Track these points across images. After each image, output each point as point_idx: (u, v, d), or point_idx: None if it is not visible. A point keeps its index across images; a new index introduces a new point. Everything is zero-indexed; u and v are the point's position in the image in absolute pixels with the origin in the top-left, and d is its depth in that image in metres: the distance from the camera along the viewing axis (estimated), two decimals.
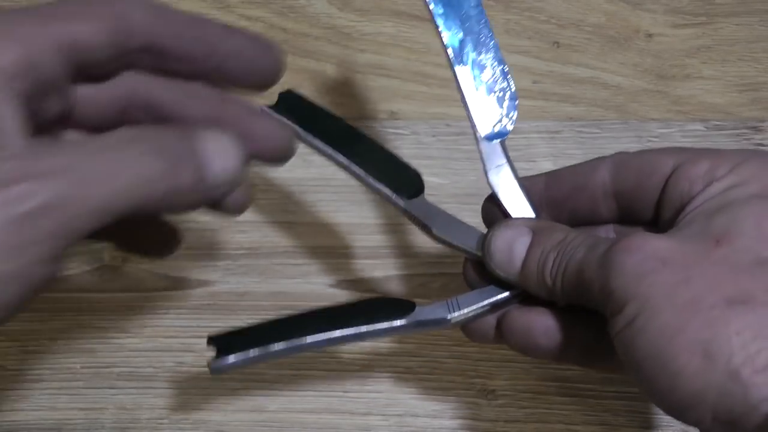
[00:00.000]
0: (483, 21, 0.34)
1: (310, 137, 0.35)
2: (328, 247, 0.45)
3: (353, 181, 0.46)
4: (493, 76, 0.34)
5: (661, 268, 0.27)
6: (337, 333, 0.32)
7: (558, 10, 0.50)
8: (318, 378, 0.38)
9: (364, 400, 0.42)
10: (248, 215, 0.45)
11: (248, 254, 0.45)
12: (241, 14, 0.51)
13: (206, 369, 0.42)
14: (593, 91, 0.48)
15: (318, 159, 0.47)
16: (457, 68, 0.34)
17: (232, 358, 0.32)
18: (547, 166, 0.46)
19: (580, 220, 0.34)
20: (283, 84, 0.49)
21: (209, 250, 0.45)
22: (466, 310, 0.33)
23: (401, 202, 0.34)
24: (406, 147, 0.47)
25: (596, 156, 0.44)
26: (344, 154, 0.35)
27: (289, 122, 0.35)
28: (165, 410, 0.42)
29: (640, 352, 0.27)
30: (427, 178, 0.42)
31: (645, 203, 0.32)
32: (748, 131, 0.47)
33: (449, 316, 0.32)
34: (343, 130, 0.36)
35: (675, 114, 0.47)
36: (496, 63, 0.34)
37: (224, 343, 0.33)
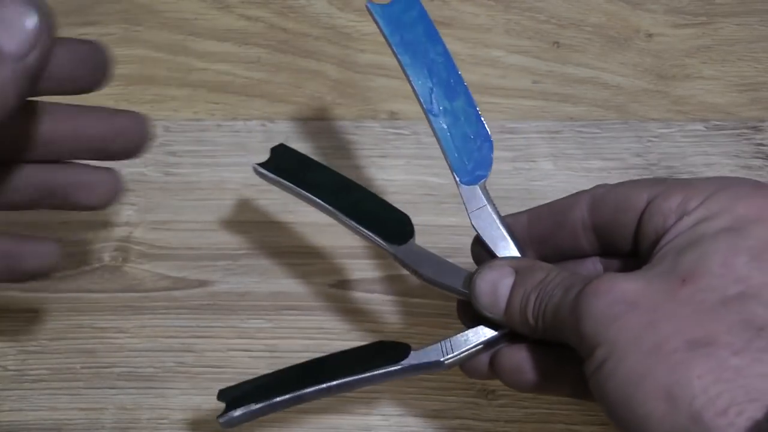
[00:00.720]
0: (451, 67, 0.34)
1: (301, 191, 0.36)
2: (328, 247, 0.45)
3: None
4: (467, 121, 0.34)
5: (628, 312, 0.27)
6: (335, 382, 0.33)
7: (558, 10, 0.50)
8: None
9: (364, 400, 0.42)
10: (248, 215, 0.45)
11: (248, 254, 0.45)
12: (241, 14, 0.51)
13: (206, 369, 0.43)
14: (593, 91, 0.48)
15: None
16: (431, 118, 0.34)
17: (238, 412, 0.33)
18: (547, 166, 0.46)
19: (566, 254, 0.34)
20: (283, 84, 0.49)
21: (209, 250, 0.45)
22: (458, 352, 0.33)
23: (391, 248, 0.35)
24: (406, 147, 0.47)
25: (596, 156, 0.44)
26: (335, 206, 0.36)
27: (280, 179, 0.36)
28: (165, 410, 0.42)
29: (610, 396, 0.27)
30: (427, 178, 0.42)
31: (623, 237, 0.32)
32: (748, 131, 0.47)
33: (443, 359, 0.33)
34: (333, 180, 0.37)
35: (675, 114, 0.47)
36: (468, 107, 0.34)
37: (232, 396, 0.34)
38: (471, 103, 0.34)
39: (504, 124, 0.47)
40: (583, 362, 0.28)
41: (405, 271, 0.44)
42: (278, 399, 0.33)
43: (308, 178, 0.37)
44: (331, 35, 0.50)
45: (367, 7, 0.34)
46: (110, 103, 0.48)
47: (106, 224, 0.46)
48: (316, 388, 0.33)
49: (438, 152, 0.46)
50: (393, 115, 0.48)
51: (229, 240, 0.45)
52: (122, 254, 0.45)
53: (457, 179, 0.34)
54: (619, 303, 0.27)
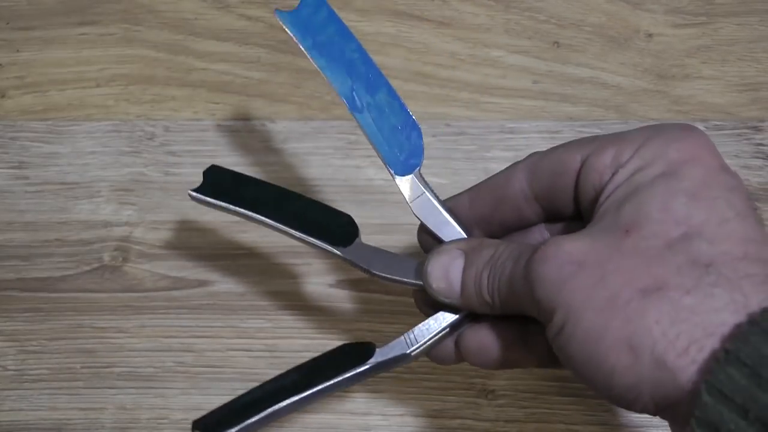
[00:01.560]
0: (367, 62, 0.34)
1: (240, 209, 0.35)
2: None
3: (353, 181, 0.46)
4: (392, 113, 0.34)
5: (578, 272, 0.27)
6: (307, 393, 0.33)
7: (558, 10, 0.50)
8: None
9: (363, 400, 0.42)
10: None
11: (248, 254, 0.45)
12: (241, 14, 0.51)
13: (206, 369, 0.43)
14: (593, 91, 0.48)
15: (317, 160, 0.47)
16: (356, 114, 0.34)
17: None
18: None
19: (511, 227, 0.34)
20: (283, 84, 0.49)
21: (209, 250, 0.45)
22: (422, 342, 0.33)
23: (338, 251, 0.35)
24: None
25: None
26: (276, 219, 0.35)
27: (215, 201, 0.35)
28: (165, 410, 0.42)
29: (574, 358, 0.27)
30: (428, 178, 0.42)
31: (563, 201, 0.32)
32: (748, 131, 0.47)
33: (409, 351, 0.33)
34: (271, 193, 0.37)
35: (675, 114, 0.47)
36: (391, 99, 0.35)
37: (205, 424, 0.34)
38: (393, 95, 0.35)
39: (504, 124, 0.47)
40: (545, 329, 0.28)
41: None
42: (253, 419, 0.33)
43: (246, 195, 0.36)
44: None
45: (275, 14, 0.35)
46: (110, 103, 0.49)
47: (106, 224, 0.46)
48: (289, 401, 0.33)
49: (437, 152, 0.46)
50: None
51: (229, 240, 0.45)
52: (122, 254, 0.45)
53: (392, 171, 0.34)
54: (567, 264, 0.27)
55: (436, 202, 0.34)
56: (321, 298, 0.44)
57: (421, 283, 0.33)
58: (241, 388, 0.42)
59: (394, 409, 0.41)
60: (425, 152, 0.46)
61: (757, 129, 0.47)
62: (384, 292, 0.44)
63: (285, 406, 0.33)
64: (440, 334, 0.33)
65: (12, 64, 0.50)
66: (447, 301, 0.32)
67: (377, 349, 0.34)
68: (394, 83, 0.48)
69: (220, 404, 0.35)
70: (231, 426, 0.33)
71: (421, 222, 0.34)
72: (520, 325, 0.32)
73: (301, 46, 0.34)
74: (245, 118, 0.48)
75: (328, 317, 0.43)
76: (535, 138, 0.47)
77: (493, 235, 0.34)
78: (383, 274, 0.34)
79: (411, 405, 0.42)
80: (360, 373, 0.33)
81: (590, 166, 0.30)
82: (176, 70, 0.49)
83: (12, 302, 0.44)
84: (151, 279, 0.44)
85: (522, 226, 0.34)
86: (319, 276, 0.44)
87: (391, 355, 0.33)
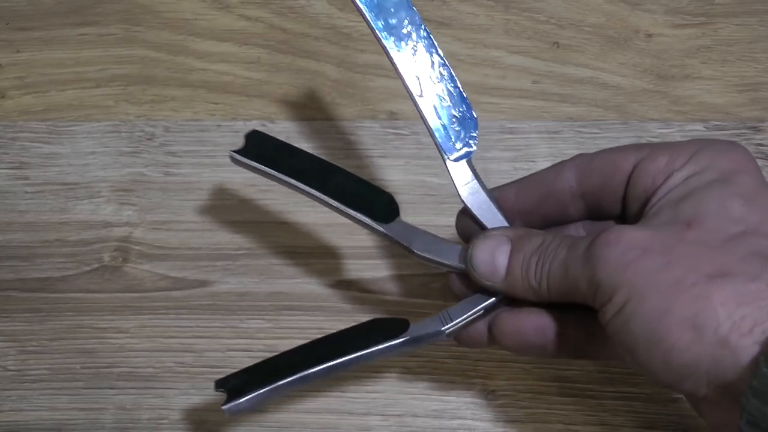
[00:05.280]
0: (435, 51, 0.35)
1: (281, 176, 0.36)
2: (328, 247, 0.45)
3: None
4: (452, 101, 0.35)
5: (641, 256, 0.29)
6: (338, 360, 0.33)
7: (558, 11, 0.50)
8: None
9: (363, 400, 0.42)
10: (248, 215, 0.46)
11: (248, 254, 0.45)
12: (240, 14, 0.51)
13: (206, 369, 0.43)
14: (593, 91, 0.48)
15: None
16: (417, 99, 0.35)
17: (243, 399, 0.33)
18: (546, 166, 0.46)
19: (551, 222, 0.36)
20: (283, 85, 0.49)
21: (209, 250, 0.45)
22: (458, 320, 0.34)
23: (380, 227, 0.35)
24: (406, 147, 0.47)
25: None
26: (318, 189, 0.36)
27: (258, 164, 0.36)
28: (165, 410, 0.42)
29: (632, 336, 0.29)
30: (428, 178, 0.42)
31: (611, 200, 0.34)
32: (748, 131, 0.47)
33: (443, 328, 0.34)
34: (313, 163, 0.37)
35: (675, 114, 0.47)
36: (453, 89, 0.35)
37: (232, 385, 0.34)
38: (455, 84, 0.35)
39: (504, 124, 0.47)
40: (598, 311, 0.30)
41: (405, 272, 0.44)
42: (282, 382, 0.33)
43: (287, 164, 0.36)
44: (331, 35, 0.50)
45: None
46: (110, 103, 0.49)
47: (106, 224, 0.46)
48: (320, 368, 0.33)
49: (437, 152, 0.46)
50: (392, 115, 0.48)
51: (229, 240, 0.45)
52: (122, 254, 0.45)
53: (446, 156, 0.35)
54: (632, 249, 0.29)
55: (483, 191, 0.35)
56: (321, 298, 0.44)
57: (459, 266, 0.34)
58: None
59: (394, 409, 0.41)
60: (426, 152, 0.47)
61: (756, 129, 0.47)
62: (383, 292, 0.44)
63: (316, 372, 0.33)
64: (476, 315, 0.34)
65: (12, 64, 0.50)
66: (489, 284, 0.34)
67: (411, 325, 0.34)
68: (394, 83, 0.48)
69: (245, 367, 0.34)
70: (259, 387, 0.33)
71: (466, 206, 0.35)
72: (556, 313, 0.33)
73: (372, 27, 0.35)
74: (245, 118, 0.48)
75: (328, 317, 0.43)
76: (535, 138, 0.47)
77: (532, 227, 0.35)
78: (423, 254, 0.35)
79: (411, 405, 0.42)
80: (393, 345, 0.34)
81: (644, 169, 0.32)
82: (176, 70, 0.49)
83: (12, 302, 0.44)
84: (151, 279, 0.44)
85: (562, 221, 0.36)
86: (319, 276, 0.44)
87: (425, 331, 0.34)
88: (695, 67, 0.48)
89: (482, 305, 0.34)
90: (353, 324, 0.36)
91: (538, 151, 0.46)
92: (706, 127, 0.47)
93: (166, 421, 0.41)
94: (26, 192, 0.47)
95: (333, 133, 0.47)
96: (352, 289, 0.44)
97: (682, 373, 0.28)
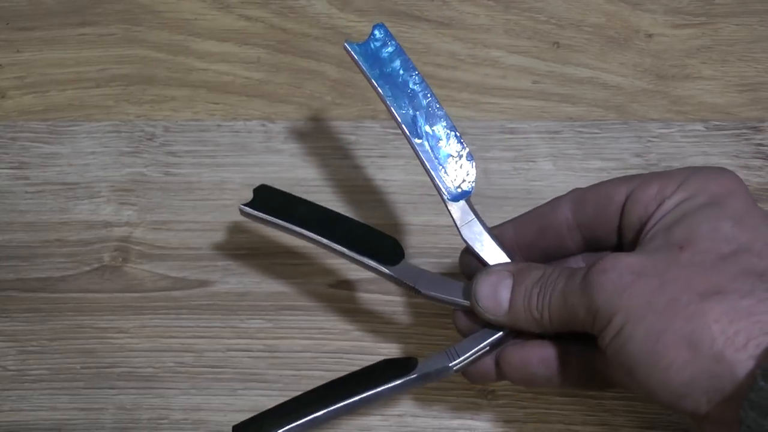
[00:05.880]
0: (429, 95, 0.36)
1: (290, 226, 0.37)
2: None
3: (353, 181, 0.46)
4: (447, 143, 0.36)
5: (637, 280, 0.30)
6: (349, 400, 0.34)
7: (558, 11, 0.50)
8: (318, 378, 0.38)
9: None
10: None
11: (248, 254, 0.45)
12: (240, 14, 0.51)
13: (206, 369, 0.43)
14: (593, 91, 0.48)
15: (317, 160, 0.47)
16: (415, 141, 0.36)
17: None
18: (546, 166, 0.46)
19: (551, 256, 0.37)
20: (283, 85, 0.49)
21: (209, 250, 0.45)
22: (465, 356, 0.35)
23: (387, 269, 0.37)
24: (405, 147, 0.47)
25: (595, 156, 0.44)
26: (327, 236, 0.37)
27: (267, 216, 0.37)
28: (165, 410, 0.42)
29: (631, 357, 0.29)
30: (427, 179, 0.42)
31: (607, 230, 0.35)
32: (748, 131, 0.47)
33: (451, 364, 0.35)
34: (319, 212, 0.39)
35: (675, 114, 0.47)
36: (448, 131, 0.36)
37: (249, 429, 0.35)
38: (450, 126, 0.36)
39: (504, 124, 0.47)
40: (597, 336, 0.31)
41: None
42: (295, 424, 0.34)
43: (295, 213, 0.38)
44: (331, 35, 0.50)
45: (344, 46, 0.36)
46: (110, 103, 0.49)
47: (107, 224, 0.46)
48: (330, 409, 0.34)
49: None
50: None
51: (229, 240, 0.45)
52: (122, 254, 0.45)
53: (445, 197, 0.36)
54: (628, 274, 0.30)
55: (483, 228, 0.36)
56: (321, 298, 0.44)
57: (465, 302, 0.36)
58: (241, 389, 0.42)
59: (394, 409, 0.41)
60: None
61: (756, 129, 0.47)
62: (383, 292, 0.44)
63: (327, 413, 0.34)
64: (482, 351, 0.35)
65: (12, 64, 0.50)
66: (493, 318, 0.34)
67: (420, 363, 0.35)
68: None
69: (261, 410, 0.36)
70: (272, 430, 0.34)
71: (468, 245, 0.36)
72: (560, 345, 0.34)
73: (367, 76, 0.36)
74: (245, 118, 0.48)
75: (328, 317, 0.43)
76: (535, 138, 0.47)
77: (533, 262, 0.36)
78: (429, 293, 0.36)
79: (411, 405, 0.42)
80: (402, 383, 0.35)
81: (636, 198, 0.33)
82: (176, 70, 0.49)
83: (12, 302, 0.44)
84: (151, 279, 0.44)
85: (561, 255, 0.37)
86: (319, 276, 0.44)
87: (434, 368, 0.35)
88: (695, 67, 0.48)
89: (488, 340, 0.35)
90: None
91: (538, 151, 0.46)
92: (706, 127, 0.47)
93: (166, 421, 0.41)
94: (26, 192, 0.47)
95: (333, 133, 0.47)
96: (353, 289, 0.44)
97: (681, 392, 0.29)
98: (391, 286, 0.44)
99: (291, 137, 0.47)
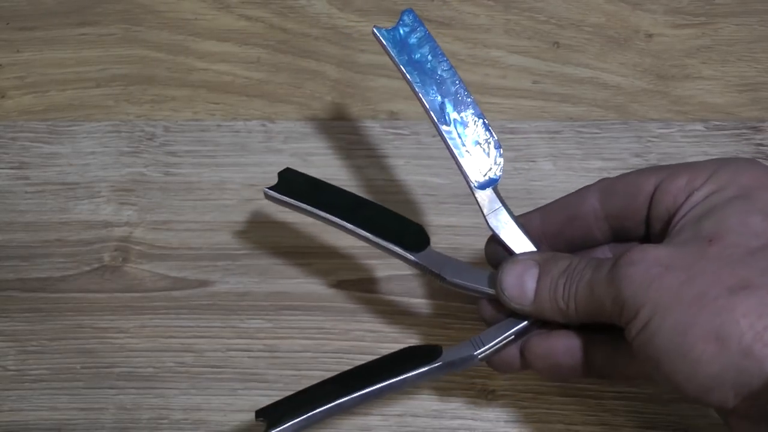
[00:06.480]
0: (457, 82, 0.36)
1: (315, 210, 0.37)
2: (328, 247, 0.45)
3: (354, 181, 0.46)
4: (475, 130, 0.36)
5: (665, 273, 0.30)
6: (373, 387, 0.34)
7: (558, 10, 0.50)
8: (318, 378, 0.38)
9: None
10: (248, 215, 0.46)
11: (248, 254, 0.45)
12: (241, 14, 0.51)
13: (206, 369, 0.43)
14: (593, 91, 0.48)
15: (317, 160, 0.47)
16: (443, 128, 0.36)
17: (282, 428, 0.33)
18: (546, 166, 0.46)
19: (577, 246, 0.36)
20: (283, 84, 0.49)
21: (209, 250, 0.45)
22: (490, 345, 0.35)
23: (412, 255, 0.36)
24: (406, 147, 0.47)
25: (596, 156, 0.44)
26: (351, 221, 0.37)
27: (291, 200, 0.37)
28: (165, 410, 0.42)
29: (658, 350, 0.29)
30: (428, 178, 0.42)
31: (635, 221, 0.35)
32: (748, 131, 0.47)
33: (476, 353, 0.35)
34: (344, 197, 0.39)
35: (675, 114, 0.47)
36: (476, 118, 0.36)
37: (271, 414, 0.34)
38: (478, 114, 0.36)
39: (504, 124, 0.47)
40: (624, 329, 0.31)
41: (406, 272, 0.44)
42: (318, 410, 0.34)
43: (320, 198, 0.38)
44: (331, 35, 0.50)
45: (373, 31, 0.36)
46: (110, 103, 0.49)
47: (106, 224, 0.46)
48: (355, 395, 0.34)
49: (437, 152, 0.46)
50: (393, 115, 0.48)
51: (229, 240, 0.45)
52: (122, 254, 0.45)
53: (473, 184, 0.36)
54: (655, 266, 0.30)
55: (510, 217, 0.36)
56: (321, 298, 0.44)
57: (490, 291, 0.35)
58: (241, 389, 0.42)
59: (394, 409, 0.41)
60: (426, 152, 0.47)
61: (756, 129, 0.47)
62: (384, 292, 0.44)
63: (351, 399, 0.34)
64: (507, 339, 0.35)
65: (12, 64, 0.50)
66: (518, 308, 0.34)
67: (444, 351, 0.35)
68: (394, 83, 0.48)
69: (284, 396, 0.35)
70: (296, 416, 0.33)
71: (494, 233, 0.36)
72: (584, 335, 0.34)
73: (396, 62, 0.36)
74: (245, 118, 0.48)
75: (328, 317, 0.43)
76: (535, 138, 0.47)
77: (559, 252, 0.36)
78: (454, 280, 0.36)
79: (411, 405, 0.42)
80: (427, 371, 0.35)
81: (665, 189, 0.33)
82: (176, 71, 0.49)
83: (12, 302, 0.44)
84: (151, 279, 0.44)
85: (588, 245, 0.36)
86: (319, 276, 0.44)
87: (458, 356, 0.35)
88: (695, 67, 0.48)
89: (514, 329, 0.35)
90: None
91: (538, 151, 0.46)
92: (706, 127, 0.47)
93: (166, 421, 0.41)
94: (26, 192, 0.47)
95: (333, 133, 0.47)
96: (353, 289, 0.44)
97: (708, 385, 0.28)
98: (392, 286, 0.44)
99: (291, 137, 0.47)
